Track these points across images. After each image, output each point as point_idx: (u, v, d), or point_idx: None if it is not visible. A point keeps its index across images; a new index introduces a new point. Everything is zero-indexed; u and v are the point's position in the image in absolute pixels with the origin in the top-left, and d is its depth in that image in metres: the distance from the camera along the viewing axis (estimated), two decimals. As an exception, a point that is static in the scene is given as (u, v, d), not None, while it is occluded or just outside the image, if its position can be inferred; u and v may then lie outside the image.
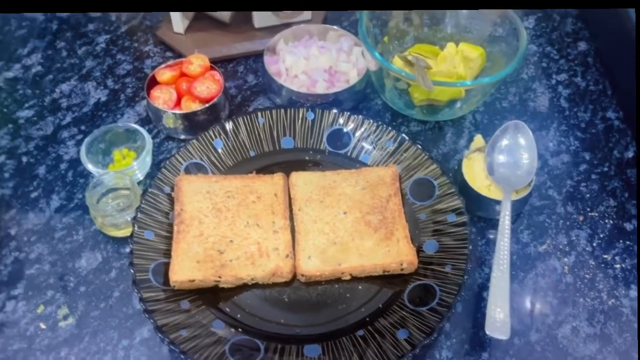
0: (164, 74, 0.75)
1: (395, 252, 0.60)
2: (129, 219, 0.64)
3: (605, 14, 0.87)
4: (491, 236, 0.68)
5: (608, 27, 0.86)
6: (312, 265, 0.59)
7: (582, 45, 0.88)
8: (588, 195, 0.70)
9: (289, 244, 0.61)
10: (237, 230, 0.61)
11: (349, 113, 0.73)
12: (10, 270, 0.64)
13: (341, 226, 0.62)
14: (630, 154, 0.74)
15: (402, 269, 0.60)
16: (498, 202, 0.65)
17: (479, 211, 0.68)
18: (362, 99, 0.80)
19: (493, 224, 0.68)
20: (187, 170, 0.68)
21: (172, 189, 0.66)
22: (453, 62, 0.76)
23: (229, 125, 0.71)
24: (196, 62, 0.76)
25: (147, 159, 0.71)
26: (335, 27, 0.83)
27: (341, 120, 0.73)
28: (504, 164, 0.67)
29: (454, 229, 0.64)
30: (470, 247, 0.61)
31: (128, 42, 0.88)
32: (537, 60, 0.86)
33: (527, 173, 0.66)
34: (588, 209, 0.69)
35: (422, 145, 0.69)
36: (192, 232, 0.61)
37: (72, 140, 0.76)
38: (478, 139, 0.71)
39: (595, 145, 0.75)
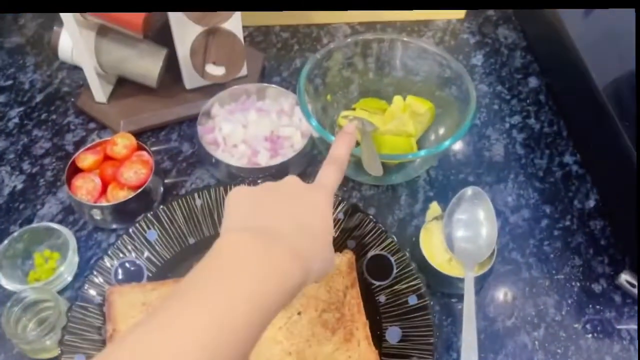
0: (85, 159, 0.67)
1: (356, 359, 0.55)
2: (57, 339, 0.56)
3: (552, 44, 0.83)
4: (456, 309, 0.63)
5: (557, 59, 0.83)
6: (266, 383, 0.53)
7: (533, 81, 0.85)
8: (552, 255, 0.67)
9: (238, 360, 0.55)
10: (179, 347, 0.55)
11: (295, 184, 0.67)
12: None
13: (296, 331, 0.56)
14: (591, 203, 0.71)
15: (364, 377, 0.55)
16: (461, 280, 0.60)
17: (442, 288, 0.64)
18: (309, 162, 0.74)
19: (459, 297, 0.64)
20: (120, 271, 0.61)
21: (104, 298, 0.59)
22: (402, 120, 0.71)
23: (162, 213, 0.64)
24: (121, 142, 0.68)
25: (74, 259, 0.63)
26: (272, 85, 0.76)
27: (287, 194, 0.67)
28: (463, 238, 0.63)
29: (416, 314, 0.59)
30: (437, 335, 0.57)
31: (45, 114, 0.79)
32: (489, 102, 0.82)
33: (488, 244, 0.62)
34: (554, 271, 0.66)
35: (375, 218, 0.64)
36: (128, 356, 0.54)
37: (-15, 242, 0.67)
38: (434, 207, 0.66)
39: (554, 196, 0.72)
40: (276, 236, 0.41)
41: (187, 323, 0.34)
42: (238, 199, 0.46)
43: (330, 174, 0.50)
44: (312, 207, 0.46)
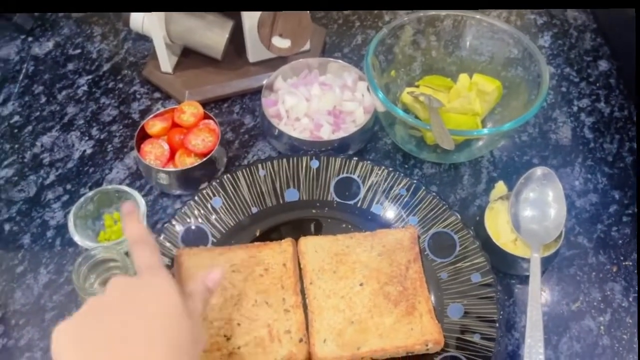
0: (154, 125, 0.69)
1: (418, 331, 0.55)
2: (125, 297, 0.58)
3: (624, 27, 0.80)
4: (517, 290, 0.63)
5: (629, 43, 0.80)
6: (329, 350, 0.54)
7: (603, 65, 0.82)
8: (620, 242, 0.65)
9: (302, 326, 0.56)
10: (245, 310, 0.56)
11: (356, 159, 0.67)
12: (-1, 360, 0.59)
13: (358, 301, 0.56)
14: (662, 191, 0.69)
15: (427, 349, 0.55)
16: (526, 260, 0.60)
17: (505, 268, 0.63)
18: (370, 138, 0.74)
19: (521, 279, 0.63)
20: (186, 236, 0.62)
21: (171, 260, 0.60)
22: (468, 98, 0.70)
23: (227, 181, 0.65)
24: (189, 110, 0.70)
25: (142, 223, 0.65)
26: (337, 60, 0.76)
27: (348, 168, 0.67)
28: (531, 218, 0.61)
29: (479, 291, 0.59)
30: (501, 313, 0.56)
31: (112, 83, 0.81)
32: (556, 84, 0.80)
33: (556, 226, 0.61)
34: (621, 258, 0.64)
35: (438, 195, 0.64)
36: (195, 316, 0.56)
37: (57, 202, 0.69)
38: (500, 187, 0.65)
39: (624, 182, 0.70)
40: None
41: None
42: (61, 345, 0.40)
43: (144, 254, 0.47)
44: (148, 298, 0.43)
